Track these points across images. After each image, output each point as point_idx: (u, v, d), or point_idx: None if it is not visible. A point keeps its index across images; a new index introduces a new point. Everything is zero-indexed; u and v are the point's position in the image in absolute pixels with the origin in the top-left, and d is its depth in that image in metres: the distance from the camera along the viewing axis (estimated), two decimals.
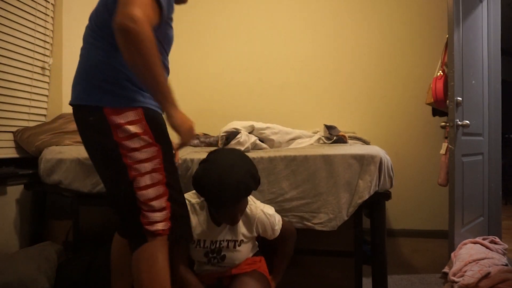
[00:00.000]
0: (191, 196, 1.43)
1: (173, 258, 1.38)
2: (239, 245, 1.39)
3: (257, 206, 1.42)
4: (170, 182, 1.16)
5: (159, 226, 1.11)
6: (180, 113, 1.10)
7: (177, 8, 3.14)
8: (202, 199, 1.41)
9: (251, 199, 1.44)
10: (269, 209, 1.45)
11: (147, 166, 1.11)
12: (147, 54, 0.96)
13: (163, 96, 1.05)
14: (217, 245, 1.38)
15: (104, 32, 1.13)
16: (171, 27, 1.24)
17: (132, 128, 1.10)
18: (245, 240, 1.40)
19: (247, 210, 1.39)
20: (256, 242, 1.52)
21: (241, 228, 1.39)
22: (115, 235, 1.37)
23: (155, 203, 1.11)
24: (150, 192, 1.10)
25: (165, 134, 1.19)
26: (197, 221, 1.39)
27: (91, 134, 1.15)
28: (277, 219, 1.44)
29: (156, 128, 1.14)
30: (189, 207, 1.38)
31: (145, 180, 1.10)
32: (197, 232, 1.38)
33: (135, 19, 0.93)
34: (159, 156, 1.13)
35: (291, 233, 1.49)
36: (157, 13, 1.06)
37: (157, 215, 1.11)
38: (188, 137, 1.13)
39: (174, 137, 1.20)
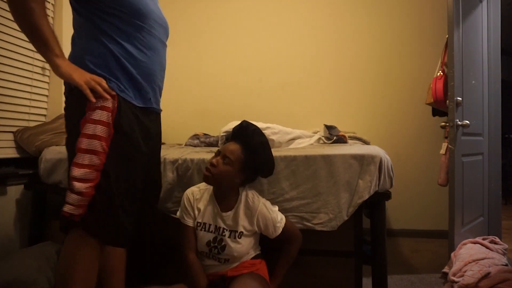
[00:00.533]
0: (203, 185, 1.52)
1: (180, 242, 1.41)
2: (239, 237, 1.40)
3: (260, 199, 1.45)
4: (109, 172, 1.07)
5: (66, 208, 1.04)
6: (68, 63, 1.07)
7: (177, 7, 3.14)
8: (211, 186, 1.47)
9: (255, 194, 1.47)
10: (273, 206, 1.47)
11: (90, 143, 1.05)
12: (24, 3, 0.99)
13: (46, 46, 1.03)
14: (220, 232, 1.40)
15: (76, 29, 1.17)
16: None
17: (99, 103, 1.08)
18: (245, 232, 1.41)
19: (249, 201, 1.42)
20: (259, 246, 1.52)
21: (242, 219, 1.41)
22: None
23: (76, 185, 1.03)
24: (80, 172, 1.04)
25: (128, 129, 1.13)
26: (205, 205, 1.44)
27: (67, 107, 1.16)
28: (280, 217, 1.45)
29: (121, 116, 1.10)
30: (199, 192, 1.49)
31: (83, 158, 1.05)
32: (204, 215, 1.43)
33: None
34: (108, 140, 1.07)
35: (295, 236, 1.48)
36: None
37: (71, 197, 1.04)
38: (83, 79, 1.06)
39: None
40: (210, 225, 1.42)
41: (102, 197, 1.05)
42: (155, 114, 1.31)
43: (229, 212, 1.42)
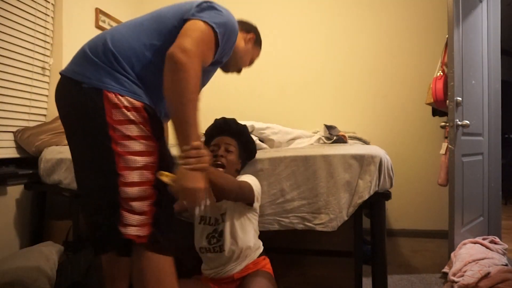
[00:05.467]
0: None
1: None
2: (237, 219, 1.39)
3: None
4: (161, 185, 1.01)
5: (132, 231, 0.97)
6: (196, 154, 0.97)
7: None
8: None
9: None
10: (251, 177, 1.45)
11: (139, 160, 0.98)
12: (187, 87, 0.94)
13: (184, 137, 0.96)
14: (219, 222, 1.40)
15: (145, 34, 1.07)
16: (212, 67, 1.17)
17: (131, 114, 0.99)
18: (240, 209, 1.39)
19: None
20: (259, 241, 1.50)
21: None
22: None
23: (136, 204, 0.97)
24: (135, 191, 0.97)
25: (163, 133, 1.09)
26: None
27: (78, 110, 1.01)
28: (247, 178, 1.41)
29: (155, 123, 1.04)
30: None
31: (133, 176, 0.97)
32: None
33: (187, 50, 0.95)
34: (155, 153, 1.01)
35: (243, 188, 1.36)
36: (212, 52, 1.06)
37: (134, 218, 0.97)
38: (186, 198, 0.97)
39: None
40: (210, 217, 1.43)
41: (163, 213, 1.02)
42: None
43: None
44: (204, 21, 1.03)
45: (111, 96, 0.98)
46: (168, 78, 0.96)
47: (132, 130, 0.98)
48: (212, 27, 1.03)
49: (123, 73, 1.01)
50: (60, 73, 1.08)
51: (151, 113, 1.03)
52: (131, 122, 0.98)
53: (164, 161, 1.04)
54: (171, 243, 1.05)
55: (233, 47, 1.20)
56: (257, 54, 1.48)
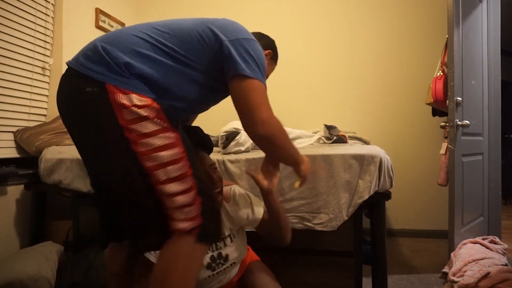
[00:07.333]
0: None
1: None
2: (232, 239, 1.30)
3: (234, 188, 1.33)
4: (196, 173, 1.00)
5: (184, 225, 0.95)
6: (305, 162, 1.22)
7: (176, 6, 3.14)
8: None
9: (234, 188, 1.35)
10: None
11: (166, 154, 0.93)
12: (283, 144, 1.11)
13: (296, 163, 1.19)
14: (219, 245, 1.29)
15: (179, 56, 1.02)
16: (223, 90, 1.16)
17: (141, 111, 0.92)
18: (234, 232, 1.30)
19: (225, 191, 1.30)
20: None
21: (225, 222, 1.29)
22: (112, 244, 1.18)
23: (182, 199, 0.95)
24: (175, 187, 0.94)
25: (178, 123, 1.02)
26: None
27: (87, 110, 0.95)
28: (258, 202, 1.31)
29: (169, 114, 0.98)
30: None
31: (168, 173, 0.93)
32: None
33: (265, 124, 1.03)
34: (179, 143, 0.97)
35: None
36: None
37: (183, 212, 0.95)
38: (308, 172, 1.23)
39: None
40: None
41: (207, 199, 1.01)
42: None
43: None
44: (260, 80, 1.16)
45: (118, 95, 0.91)
46: (269, 150, 1.14)
47: (148, 127, 0.93)
48: (264, 84, 1.16)
49: (129, 76, 0.96)
50: (67, 64, 1.02)
51: (163, 106, 0.98)
52: (144, 118, 0.92)
53: (189, 149, 1.01)
54: (213, 233, 1.05)
55: None
56: (272, 69, 1.51)
